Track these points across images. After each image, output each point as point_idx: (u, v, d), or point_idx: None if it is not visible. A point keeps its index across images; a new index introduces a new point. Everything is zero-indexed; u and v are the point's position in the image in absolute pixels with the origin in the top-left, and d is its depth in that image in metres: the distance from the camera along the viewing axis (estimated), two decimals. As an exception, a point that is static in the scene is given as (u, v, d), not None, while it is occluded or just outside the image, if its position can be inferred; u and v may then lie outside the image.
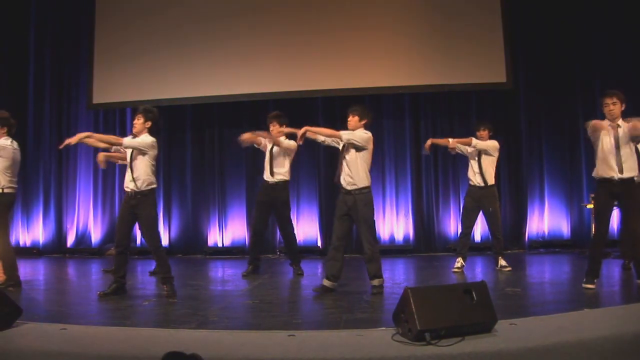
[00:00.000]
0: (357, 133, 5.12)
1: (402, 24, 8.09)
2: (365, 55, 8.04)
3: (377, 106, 8.06)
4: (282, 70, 8.17)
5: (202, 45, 8.32)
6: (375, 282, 5.07)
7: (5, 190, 5.38)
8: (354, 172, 5.06)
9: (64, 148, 5.35)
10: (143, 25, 8.53)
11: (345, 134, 5.11)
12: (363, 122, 5.16)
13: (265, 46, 8.20)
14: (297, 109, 7.82)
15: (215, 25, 8.35)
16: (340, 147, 5.19)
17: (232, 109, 8.71)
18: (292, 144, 6.24)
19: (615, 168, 4.91)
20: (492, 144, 6.36)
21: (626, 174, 4.87)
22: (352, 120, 5.18)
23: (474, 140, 6.31)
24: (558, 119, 8.27)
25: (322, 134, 5.29)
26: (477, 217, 6.47)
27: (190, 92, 8.34)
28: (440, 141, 6.62)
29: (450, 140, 6.44)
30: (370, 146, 5.13)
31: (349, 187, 5.08)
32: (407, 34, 8.08)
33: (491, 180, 6.34)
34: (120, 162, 5.76)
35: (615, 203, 5.06)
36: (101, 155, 5.73)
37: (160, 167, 8.51)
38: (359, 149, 5.08)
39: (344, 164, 5.12)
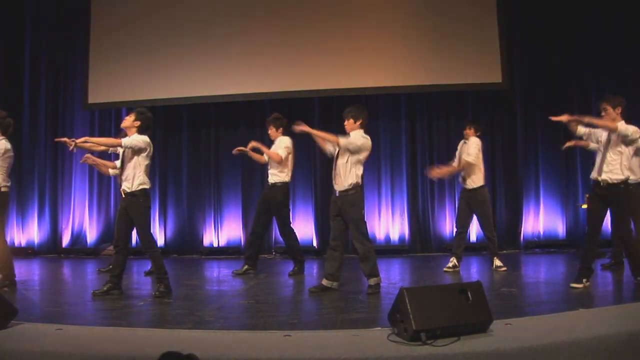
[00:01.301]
0: (355, 139, 5.07)
1: (398, 25, 8.10)
2: (361, 56, 8.04)
3: (373, 106, 8.05)
4: (278, 70, 8.17)
5: (198, 45, 8.31)
6: (372, 281, 5.06)
7: (2, 189, 5.37)
8: (343, 174, 5.07)
9: (60, 147, 5.34)
10: (139, 25, 8.51)
11: (342, 141, 5.07)
12: (359, 122, 5.15)
13: (261, 46, 8.19)
14: (294, 109, 7.80)
15: (212, 25, 8.33)
16: (336, 150, 5.20)
17: (229, 109, 8.70)
18: (282, 142, 6.26)
19: (598, 170, 4.97)
20: (472, 142, 6.31)
21: (608, 177, 4.89)
22: (348, 123, 5.17)
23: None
24: (554, 119, 8.28)
25: (320, 137, 5.31)
26: (471, 217, 6.47)
27: (186, 92, 8.33)
28: (446, 172, 6.60)
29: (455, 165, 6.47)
30: (366, 151, 5.11)
31: (337, 189, 5.11)
32: (403, 34, 8.10)
33: (478, 182, 6.31)
34: (104, 169, 5.79)
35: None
36: (90, 159, 5.75)
37: (156, 166, 8.51)
38: (353, 153, 5.08)
39: (336, 165, 5.14)
